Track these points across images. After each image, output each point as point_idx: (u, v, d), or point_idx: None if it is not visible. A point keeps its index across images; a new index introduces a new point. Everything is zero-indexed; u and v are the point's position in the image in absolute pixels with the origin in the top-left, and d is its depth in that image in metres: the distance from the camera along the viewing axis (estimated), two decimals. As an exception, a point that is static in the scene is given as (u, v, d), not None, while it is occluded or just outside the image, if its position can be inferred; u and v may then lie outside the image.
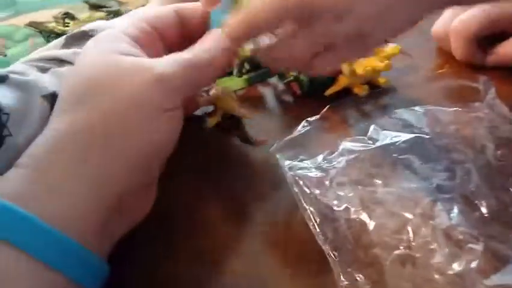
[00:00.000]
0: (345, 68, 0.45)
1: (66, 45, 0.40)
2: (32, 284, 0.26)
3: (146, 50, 0.34)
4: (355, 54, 0.38)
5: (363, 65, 0.45)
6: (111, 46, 0.32)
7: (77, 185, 0.28)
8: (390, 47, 0.46)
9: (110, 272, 0.30)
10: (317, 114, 0.42)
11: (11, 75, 0.34)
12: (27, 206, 0.26)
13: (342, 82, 0.45)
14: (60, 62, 0.38)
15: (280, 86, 0.50)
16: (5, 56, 0.67)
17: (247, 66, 0.49)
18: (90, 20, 0.68)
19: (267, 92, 0.50)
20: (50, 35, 0.73)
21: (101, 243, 0.30)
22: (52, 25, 0.74)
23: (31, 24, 0.76)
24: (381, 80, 0.47)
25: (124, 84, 0.30)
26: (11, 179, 0.28)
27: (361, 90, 0.45)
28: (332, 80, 0.46)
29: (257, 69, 0.47)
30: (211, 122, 0.44)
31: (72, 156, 0.29)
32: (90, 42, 0.34)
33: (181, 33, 0.37)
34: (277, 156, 0.39)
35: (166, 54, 0.34)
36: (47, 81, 0.36)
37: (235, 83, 0.46)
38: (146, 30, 0.35)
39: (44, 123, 0.31)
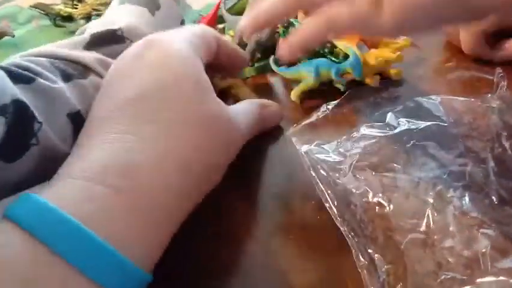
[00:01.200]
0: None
1: (91, 45, 0.38)
2: None
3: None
4: None
5: (375, 56, 0.45)
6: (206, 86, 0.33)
7: (165, 219, 0.29)
8: (402, 39, 0.47)
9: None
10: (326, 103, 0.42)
11: (38, 80, 0.32)
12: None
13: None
14: (84, 68, 0.36)
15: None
16: (13, 36, 0.67)
17: (258, 54, 0.49)
18: (100, 2, 0.68)
19: (275, 80, 0.50)
20: (56, 17, 0.73)
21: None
22: (59, 7, 0.73)
23: (37, 6, 0.75)
24: (393, 72, 0.47)
25: (220, 138, 0.33)
26: (102, 201, 0.26)
27: (372, 81, 0.46)
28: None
29: (268, 57, 0.48)
30: None
31: (177, 184, 0.29)
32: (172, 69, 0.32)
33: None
34: (293, 140, 0.39)
35: None
36: (73, 95, 0.34)
37: (246, 71, 0.47)
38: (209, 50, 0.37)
39: (63, 141, 0.31)
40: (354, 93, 0.45)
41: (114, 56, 0.36)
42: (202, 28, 0.38)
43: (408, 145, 0.36)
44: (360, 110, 0.43)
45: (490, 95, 0.40)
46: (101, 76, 0.36)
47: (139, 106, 0.30)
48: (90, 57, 0.37)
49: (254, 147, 0.42)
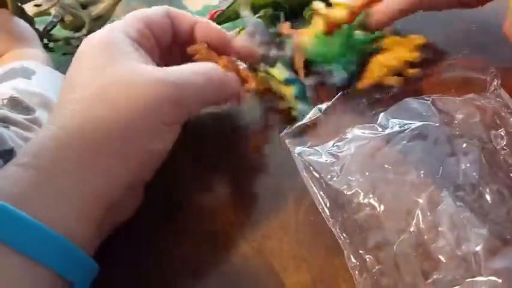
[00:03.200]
0: (375, 60, 0.45)
1: None
2: (28, 283, 0.26)
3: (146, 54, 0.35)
4: None
5: (394, 56, 0.44)
6: (121, 50, 0.33)
7: (83, 190, 0.29)
8: (416, 37, 0.45)
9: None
10: (326, 102, 0.42)
11: None
12: (32, 210, 0.26)
13: (374, 74, 0.44)
14: None
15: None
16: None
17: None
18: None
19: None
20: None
21: (95, 243, 0.31)
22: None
23: None
24: (411, 71, 0.44)
25: (138, 96, 0.31)
26: (15, 178, 0.28)
27: (393, 82, 0.44)
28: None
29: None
30: None
31: (80, 160, 0.29)
32: (92, 44, 0.34)
33: (173, 39, 0.38)
34: (287, 141, 0.40)
35: (161, 59, 0.36)
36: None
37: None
38: (146, 33, 0.36)
39: None
40: (346, 95, 0.45)
41: None
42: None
43: (400, 146, 0.36)
44: (352, 111, 0.43)
45: (482, 94, 0.40)
46: None
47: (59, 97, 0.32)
48: None
49: (247, 149, 0.42)
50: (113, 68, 0.32)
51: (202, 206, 0.38)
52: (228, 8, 0.56)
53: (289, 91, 0.43)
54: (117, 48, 0.33)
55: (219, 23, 0.57)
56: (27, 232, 0.26)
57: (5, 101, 0.37)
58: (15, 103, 0.38)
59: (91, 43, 0.34)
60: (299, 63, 0.49)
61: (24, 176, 0.28)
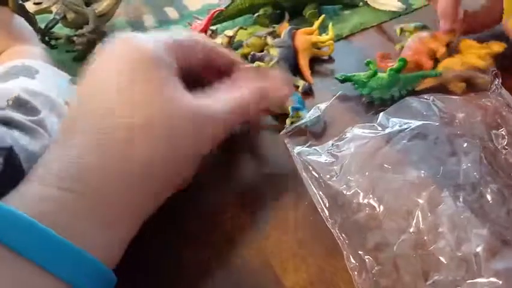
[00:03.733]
0: (443, 62, 0.45)
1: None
2: None
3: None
4: None
5: (463, 61, 0.44)
6: (174, 82, 0.31)
7: (127, 218, 0.29)
8: (495, 44, 0.44)
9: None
10: (327, 101, 0.42)
11: None
12: (71, 235, 0.26)
13: (432, 80, 0.44)
14: None
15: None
16: None
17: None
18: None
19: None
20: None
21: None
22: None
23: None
24: (481, 80, 0.43)
25: (188, 132, 0.31)
26: (60, 202, 0.27)
27: (457, 88, 0.44)
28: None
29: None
30: None
31: (128, 189, 0.29)
32: (135, 56, 0.31)
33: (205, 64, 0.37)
34: (286, 141, 0.39)
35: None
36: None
37: None
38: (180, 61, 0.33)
39: None
40: (346, 94, 0.45)
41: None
42: (185, 33, 0.36)
43: (400, 145, 0.36)
44: (352, 111, 0.43)
45: (483, 94, 0.40)
46: None
47: (95, 113, 0.30)
48: None
49: (247, 149, 0.42)
50: (162, 96, 0.30)
51: (201, 207, 0.37)
52: (226, 7, 0.56)
53: (287, 105, 0.43)
54: (164, 71, 0.31)
55: (218, 22, 0.57)
56: (65, 256, 0.25)
57: (10, 102, 0.36)
58: (20, 103, 0.37)
59: (136, 55, 0.31)
60: (305, 64, 0.49)
61: (68, 199, 0.27)
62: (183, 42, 0.34)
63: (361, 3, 0.60)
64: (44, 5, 0.55)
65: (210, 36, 0.52)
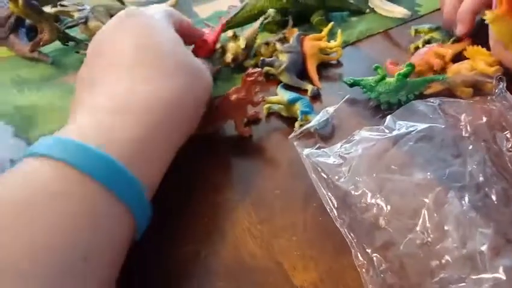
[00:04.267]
0: (451, 68, 0.46)
1: None
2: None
3: None
4: None
5: (472, 67, 0.45)
6: (178, 40, 0.39)
7: (163, 152, 0.34)
8: None
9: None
10: (335, 104, 0.43)
11: None
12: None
13: (439, 85, 0.45)
14: None
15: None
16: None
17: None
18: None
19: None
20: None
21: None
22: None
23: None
24: (489, 86, 0.44)
25: (199, 83, 0.38)
26: (114, 130, 0.31)
27: (464, 93, 0.45)
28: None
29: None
30: None
31: (169, 116, 0.34)
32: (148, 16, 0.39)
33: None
34: (295, 143, 0.40)
35: None
36: None
37: None
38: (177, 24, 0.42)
39: None
40: (353, 98, 0.46)
41: None
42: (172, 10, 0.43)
43: (406, 147, 0.37)
44: (359, 114, 0.44)
45: (488, 97, 0.41)
46: None
47: (131, 63, 0.35)
48: None
49: (258, 151, 0.43)
50: (180, 48, 0.39)
51: (212, 206, 0.38)
52: (236, 14, 0.57)
53: (296, 110, 0.44)
54: (167, 28, 0.39)
55: (228, 29, 0.58)
56: (125, 182, 0.30)
57: None
58: None
59: (141, 19, 0.38)
60: (312, 69, 0.50)
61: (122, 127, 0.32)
62: (173, 12, 0.42)
63: (368, 10, 0.61)
64: (67, 9, 0.56)
65: (231, 39, 0.53)
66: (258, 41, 0.54)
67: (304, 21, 0.58)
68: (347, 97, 0.43)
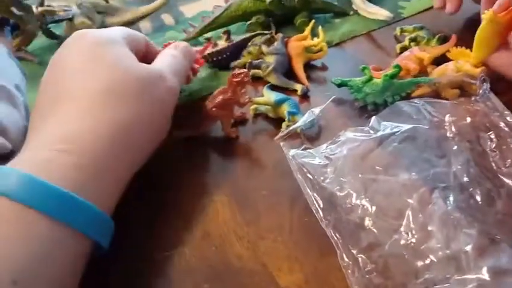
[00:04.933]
0: (436, 70, 0.47)
1: None
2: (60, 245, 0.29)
3: None
4: None
5: (457, 68, 0.45)
6: (125, 51, 0.38)
7: (119, 169, 0.34)
8: None
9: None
10: (321, 105, 0.43)
11: None
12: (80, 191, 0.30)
13: (425, 87, 0.45)
14: None
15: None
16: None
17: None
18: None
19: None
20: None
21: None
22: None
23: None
24: (474, 87, 0.44)
25: (150, 90, 0.36)
26: (57, 164, 0.31)
27: (450, 95, 0.45)
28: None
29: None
30: None
31: (118, 144, 0.33)
32: (90, 39, 0.37)
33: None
34: (281, 144, 0.40)
35: None
36: None
37: None
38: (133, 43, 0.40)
39: None
40: (340, 98, 0.46)
41: None
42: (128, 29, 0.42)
43: (390, 147, 0.37)
44: (345, 115, 0.44)
45: (473, 98, 0.41)
46: None
47: (79, 93, 0.35)
48: None
49: (244, 152, 0.43)
50: (121, 63, 0.36)
51: (197, 207, 0.38)
52: (220, 14, 0.57)
53: (283, 110, 0.44)
54: (117, 47, 0.37)
55: (211, 30, 0.58)
56: (68, 203, 0.29)
57: None
58: None
59: (89, 38, 0.37)
60: (299, 68, 0.50)
61: (64, 162, 0.31)
62: (130, 32, 0.41)
63: (351, 12, 0.61)
64: (53, 9, 0.56)
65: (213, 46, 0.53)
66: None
67: (288, 23, 0.58)
68: (332, 98, 0.43)
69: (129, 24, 0.60)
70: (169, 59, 0.42)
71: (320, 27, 0.53)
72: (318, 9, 0.60)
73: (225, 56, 0.52)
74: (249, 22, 0.57)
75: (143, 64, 0.38)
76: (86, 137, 0.32)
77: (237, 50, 0.53)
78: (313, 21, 0.54)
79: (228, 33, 0.54)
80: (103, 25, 0.57)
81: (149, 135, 0.37)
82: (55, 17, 0.55)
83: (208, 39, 0.54)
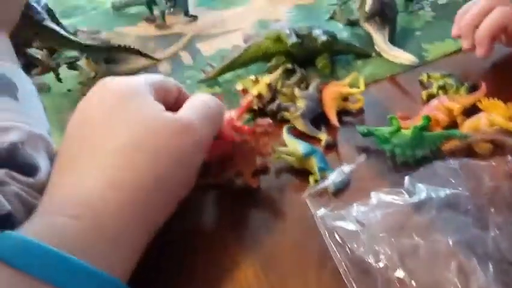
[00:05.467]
0: (468, 123, 0.45)
1: None
2: None
3: None
4: None
5: (490, 122, 0.44)
6: (148, 103, 0.35)
7: (138, 232, 0.32)
8: None
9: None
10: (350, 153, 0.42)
11: None
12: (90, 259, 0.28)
13: (456, 140, 0.44)
14: None
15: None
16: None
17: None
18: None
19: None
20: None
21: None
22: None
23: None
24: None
25: (176, 144, 0.34)
26: (67, 229, 0.29)
27: (483, 150, 0.43)
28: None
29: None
30: None
31: (133, 209, 0.32)
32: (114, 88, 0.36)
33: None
34: (308, 202, 0.39)
35: None
36: None
37: None
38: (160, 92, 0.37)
39: None
40: (367, 146, 0.44)
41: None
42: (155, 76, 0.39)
43: (429, 215, 0.35)
44: (375, 169, 0.42)
45: (509, 157, 0.40)
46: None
47: (103, 151, 0.33)
48: None
49: (266, 204, 0.42)
50: (142, 117, 0.34)
51: (219, 270, 0.36)
52: (240, 54, 0.56)
53: (311, 164, 0.43)
54: (141, 97, 0.35)
55: (232, 69, 0.56)
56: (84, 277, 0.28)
57: (3, 152, 0.35)
58: (14, 154, 0.36)
59: (112, 89, 0.36)
60: (332, 113, 0.49)
61: (75, 227, 0.30)
62: (157, 78, 0.39)
63: (374, 54, 0.60)
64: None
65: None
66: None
67: (309, 64, 0.57)
68: (362, 159, 0.41)
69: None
70: (200, 104, 0.38)
71: (362, 78, 0.51)
72: (340, 51, 0.59)
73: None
74: (269, 64, 0.56)
75: (169, 114, 0.35)
76: (103, 200, 0.31)
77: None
78: (355, 73, 0.53)
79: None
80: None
81: (172, 192, 0.34)
82: (67, 60, 0.58)
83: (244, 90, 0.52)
